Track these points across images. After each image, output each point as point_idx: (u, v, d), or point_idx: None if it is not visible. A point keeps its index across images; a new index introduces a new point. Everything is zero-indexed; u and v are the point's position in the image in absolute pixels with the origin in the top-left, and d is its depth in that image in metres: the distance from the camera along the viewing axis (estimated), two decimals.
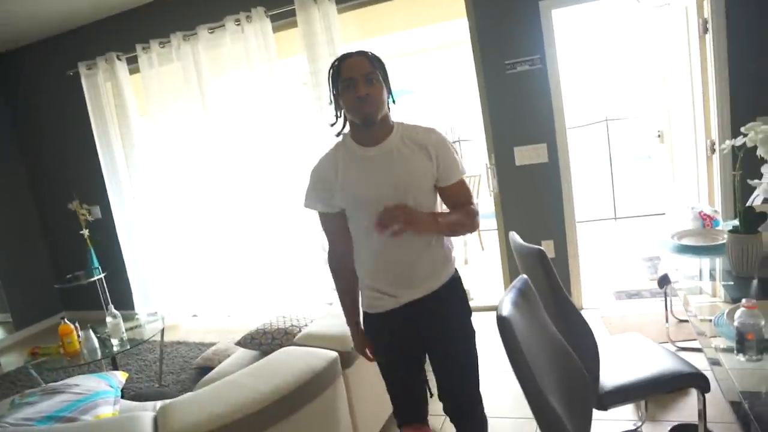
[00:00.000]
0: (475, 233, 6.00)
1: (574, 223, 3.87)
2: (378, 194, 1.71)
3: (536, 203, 3.89)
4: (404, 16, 4.48)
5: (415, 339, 1.89)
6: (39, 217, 5.93)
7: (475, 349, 1.93)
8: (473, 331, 1.92)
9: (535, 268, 2.05)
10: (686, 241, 2.51)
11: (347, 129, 1.82)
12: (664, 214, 5.03)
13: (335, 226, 1.87)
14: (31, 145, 5.76)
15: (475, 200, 1.90)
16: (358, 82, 1.66)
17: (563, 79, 3.73)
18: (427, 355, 1.97)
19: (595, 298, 4.09)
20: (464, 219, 1.82)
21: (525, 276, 1.75)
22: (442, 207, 1.91)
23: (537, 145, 3.79)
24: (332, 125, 1.86)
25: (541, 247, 2.03)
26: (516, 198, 3.95)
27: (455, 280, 1.90)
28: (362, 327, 1.97)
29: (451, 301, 1.87)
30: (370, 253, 1.82)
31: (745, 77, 3.32)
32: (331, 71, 1.74)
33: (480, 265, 5.51)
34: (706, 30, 3.43)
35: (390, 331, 1.88)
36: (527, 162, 3.84)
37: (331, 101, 1.78)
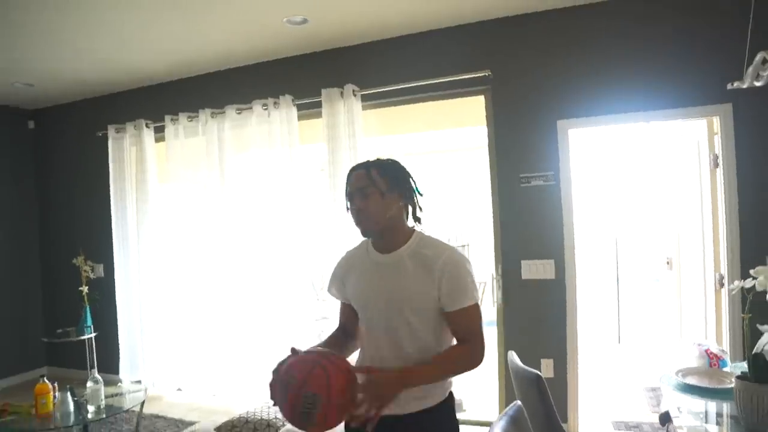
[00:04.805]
0: None
1: (576, 344, 3.77)
2: (373, 304, 1.73)
3: (539, 319, 3.81)
4: (425, 118, 4.63)
5: None
6: (41, 267, 5.92)
7: None
8: None
9: (530, 392, 1.98)
10: (691, 380, 2.40)
11: None
12: (669, 343, 4.91)
13: (347, 314, 1.89)
14: (47, 196, 5.88)
15: (479, 335, 1.70)
16: (354, 196, 1.71)
17: (575, 196, 3.78)
18: None
19: (592, 427, 3.90)
20: (449, 366, 1.67)
21: (519, 403, 1.69)
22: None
23: (545, 260, 3.77)
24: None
25: (539, 372, 1.97)
26: (519, 311, 3.88)
27: (446, 407, 1.75)
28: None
29: (435, 428, 1.73)
30: (364, 351, 1.81)
31: (755, 213, 3.34)
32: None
33: (476, 374, 5.29)
34: (716, 165, 3.50)
35: None
36: (534, 276, 3.81)
37: (347, 208, 1.79)
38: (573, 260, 3.75)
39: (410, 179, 1.79)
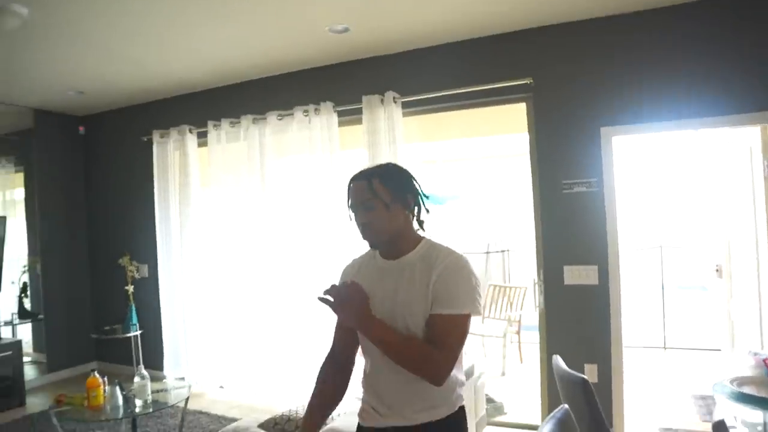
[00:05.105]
0: (515, 344, 5.82)
1: (621, 349, 3.69)
2: (383, 311, 1.62)
3: (582, 324, 3.76)
4: (465, 125, 4.63)
5: None
6: (90, 266, 6.14)
7: None
8: None
9: (576, 396, 1.96)
10: (748, 390, 2.33)
11: None
12: (719, 350, 4.77)
13: (341, 336, 1.81)
14: (96, 198, 6.10)
15: (451, 350, 1.53)
16: (357, 209, 1.64)
17: (619, 202, 3.72)
18: None
19: None
20: (411, 353, 1.53)
21: (566, 406, 1.68)
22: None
23: (588, 266, 3.72)
24: None
25: (585, 377, 1.95)
26: (561, 316, 3.84)
27: (453, 422, 1.63)
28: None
29: None
30: (368, 362, 1.72)
31: None
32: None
33: (517, 378, 5.30)
34: None
35: None
36: (576, 282, 3.76)
37: (350, 218, 1.71)
38: (617, 266, 3.68)
39: (414, 183, 1.69)
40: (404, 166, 1.73)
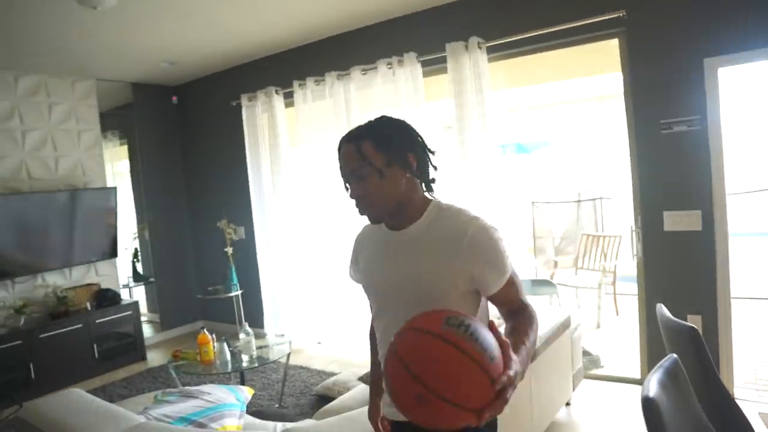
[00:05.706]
0: (610, 296, 5.66)
1: (729, 299, 3.48)
2: (383, 290, 1.50)
3: (684, 273, 3.58)
4: (553, 68, 4.43)
5: None
6: (192, 231, 6.54)
7: None
8: None
9: (684, 347, 1.89)
10: None
11: None
12: None
13: None
14: (192, 165, 6.44)
15: (526, 299, 1.46)
16: (349, 179, 1.44)
17: (725, 141, 3.42)
18: None
19: (749, 389, 3.62)
20: (533, 334, 1.34)
21: (675, 356, 1.61)
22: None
23: (690, 211, 3.50)
24: None
25: (694, 326, 1.86)
26: (661, 265, 3.67)
27: None
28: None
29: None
30: (379, 343, 1.59)
31: None
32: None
33: (613, 330, 5.16)
34: None
35: None
36: (677, 228, 3.56)
37: (346, 188, 1.48)
38: (723, 210, 3.43)
39: (416, 138, 1.47)
40: (402, 119, 1.49)
